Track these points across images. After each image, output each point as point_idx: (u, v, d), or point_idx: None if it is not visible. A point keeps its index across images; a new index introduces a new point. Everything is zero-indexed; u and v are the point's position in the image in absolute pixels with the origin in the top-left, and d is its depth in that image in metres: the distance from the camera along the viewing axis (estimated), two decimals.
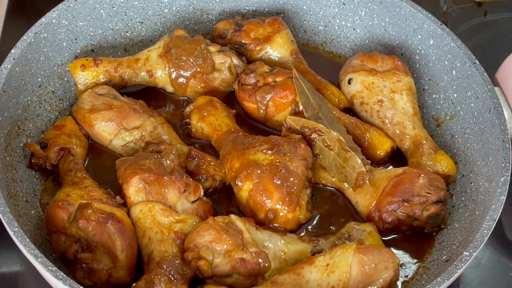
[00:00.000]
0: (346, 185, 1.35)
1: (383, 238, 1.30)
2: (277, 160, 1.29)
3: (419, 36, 1.49)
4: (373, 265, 1.17)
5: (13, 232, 1.15)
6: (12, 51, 1.35)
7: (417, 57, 1.50)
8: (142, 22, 1.56)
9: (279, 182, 1.27)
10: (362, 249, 1.19)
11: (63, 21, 1.44)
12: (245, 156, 1.31)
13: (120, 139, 1.37)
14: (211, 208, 1.31)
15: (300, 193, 1.28)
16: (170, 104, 1.48)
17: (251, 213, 1.30)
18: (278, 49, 1.51)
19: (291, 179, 1.28)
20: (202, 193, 1.30)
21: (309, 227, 1.32)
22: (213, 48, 1.46)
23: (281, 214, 1.27)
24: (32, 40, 1.38)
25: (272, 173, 1.27)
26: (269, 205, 1.27)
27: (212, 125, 1.40)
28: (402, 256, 1.31)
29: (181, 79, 1.45)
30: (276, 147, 1.30)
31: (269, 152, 1.30)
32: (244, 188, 1.30)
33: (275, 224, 1.28)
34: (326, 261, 1.19)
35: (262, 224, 1.28)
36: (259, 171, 1.28)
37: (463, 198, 1.36)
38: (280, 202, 1.27)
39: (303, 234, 1.30)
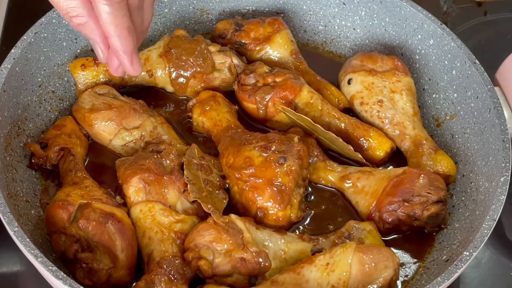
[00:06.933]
0: (347, 185, 1.35)
1: (383, 238, 1.30)
2: (271, 158, 1.29)
3: (419, 36, 1.49)
4: (373, 264, 1.17)
5: (13, 232, 1.14)
6: (12, 51, 1.35)
7: (417, 57, 1.50)
8: None
9: None
10: (362, 248, 1.19)
11: (63, 21, 1.44)
12: (241, 152, 1.31)
13: (120, 139, 1.37)
14: None
15: (292, 192, 1.28)
16: (170, 103, 1.48)
17: (243, 210, 1.29)
18: (278, 49, 1.51)
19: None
20: None
21: (308, 226, 1.32)
22: (213, 48, 1.46)
23: (271, 212, 1.27)
24: (32, 40, 1.38)
25: None
26: (260, 202, 1.27)
27: (213, 120, 1.40)
28: (402, 256, 1.31)
29: (181, 79, 1.45)
30: (272, 145, 1.30)
31: (264, 149, 1.30)
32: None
33: (265, 222, 1.28)
34: (326, 260, 1.18)
35: (255, 220, 1.28)
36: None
37: (463, 198, 1.36)
38: (271, 200, 1.27)
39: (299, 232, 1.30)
